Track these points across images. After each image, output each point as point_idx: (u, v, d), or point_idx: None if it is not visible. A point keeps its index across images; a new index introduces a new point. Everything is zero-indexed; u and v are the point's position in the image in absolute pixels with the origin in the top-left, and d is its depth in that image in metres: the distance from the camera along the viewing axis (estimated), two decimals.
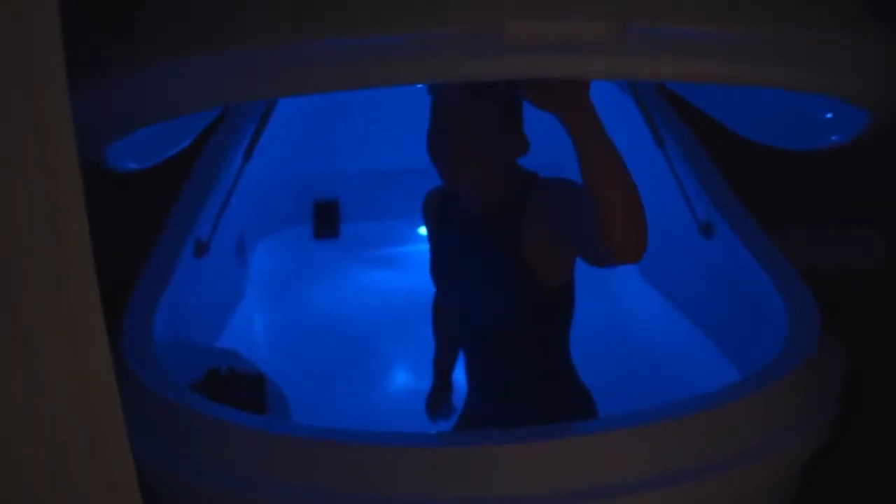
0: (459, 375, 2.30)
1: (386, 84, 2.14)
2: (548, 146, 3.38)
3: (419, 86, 3.25)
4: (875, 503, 2.73)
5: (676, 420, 1.83)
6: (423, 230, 2.23)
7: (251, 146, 2.72)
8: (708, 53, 1.68)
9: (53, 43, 0.81)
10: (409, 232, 3.48)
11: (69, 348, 0.88)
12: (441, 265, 2.08)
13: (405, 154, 3.40)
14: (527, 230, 1.88)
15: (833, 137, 2.55)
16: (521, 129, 1.92)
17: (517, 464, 1.74)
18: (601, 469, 1.76)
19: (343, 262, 3.60)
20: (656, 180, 2.99)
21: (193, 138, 2.77)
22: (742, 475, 1.84)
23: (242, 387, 2.07)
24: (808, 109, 2.59)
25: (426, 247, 2.18)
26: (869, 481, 2.78)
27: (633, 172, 3.26)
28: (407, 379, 3.10)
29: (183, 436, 1.86)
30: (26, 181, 0.81)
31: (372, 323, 3.28)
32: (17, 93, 0.80)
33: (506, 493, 1.73)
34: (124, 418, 0.96)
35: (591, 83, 1.55)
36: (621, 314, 3.23)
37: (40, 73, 0.80)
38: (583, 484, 1.74)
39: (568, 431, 1.83)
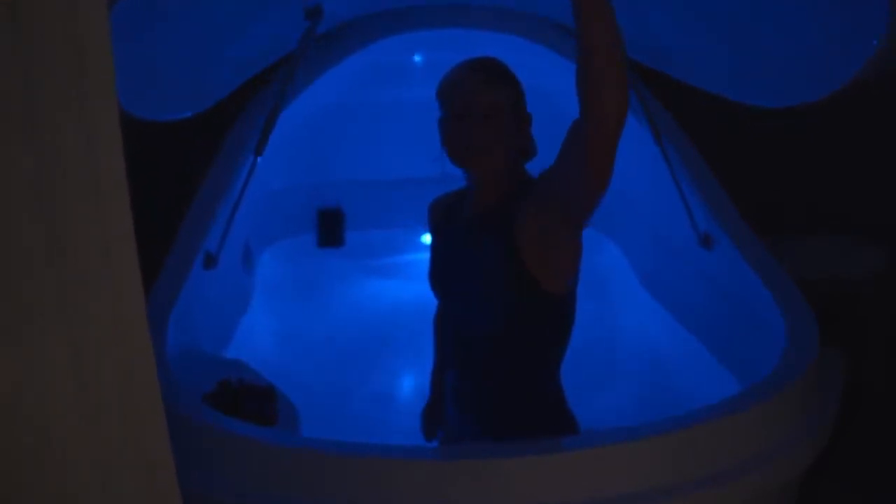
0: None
1: None
2: (549, 151, 3.43)
3: (424, 95, 3.29)
4: None
5: (676, 432, 1.86)
6: (427, 238, 2.25)
7: (261, 143, 2.77)
8: None
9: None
10: (412, 240, 3.51)
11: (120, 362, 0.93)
12: (441, 271, 2.09)
13: (408, 163, 3.44)
14: (524, 231, 1.89)
15: (840, 76, 2.56)
16: (529, 128, 1.98)
17: (524, 476, 1.77)
18: (602, 482, 1.79)
19: (347, 270, 3.62)
20: (656, 190, 3.02)
21: (193, 113, 2.82)
22: (742, 486, 1.87)
23: (253, 399, 2.10)
24: (809, 56, 2.65)
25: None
26: (868, 487, 2.82)
27: (633, 183, 3.31)
28: (411, 387, 3.13)
29: (194, 449, 1.89)
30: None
31: (376, 331, 3.30)
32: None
33: None
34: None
35: None
36: (621, 325, 3.26)
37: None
38: (583, 497, 1.78)
39: (568, 445, 1.87)
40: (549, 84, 3.25)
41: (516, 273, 1.90)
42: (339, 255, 3.64)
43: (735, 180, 2.95)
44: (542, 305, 1.95)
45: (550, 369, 2.04)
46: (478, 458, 1.80)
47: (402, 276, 3.48)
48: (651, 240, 3.28)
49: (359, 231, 3.64)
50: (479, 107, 1.90)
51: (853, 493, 2.78)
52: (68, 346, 0.88)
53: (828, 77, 2.68)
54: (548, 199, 1.85)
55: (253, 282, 3.29)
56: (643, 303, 3.24)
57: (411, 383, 3.10)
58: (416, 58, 3.50)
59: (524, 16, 3.18)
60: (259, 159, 2.85)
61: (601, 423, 2.06)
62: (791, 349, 2.16)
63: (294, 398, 2.25)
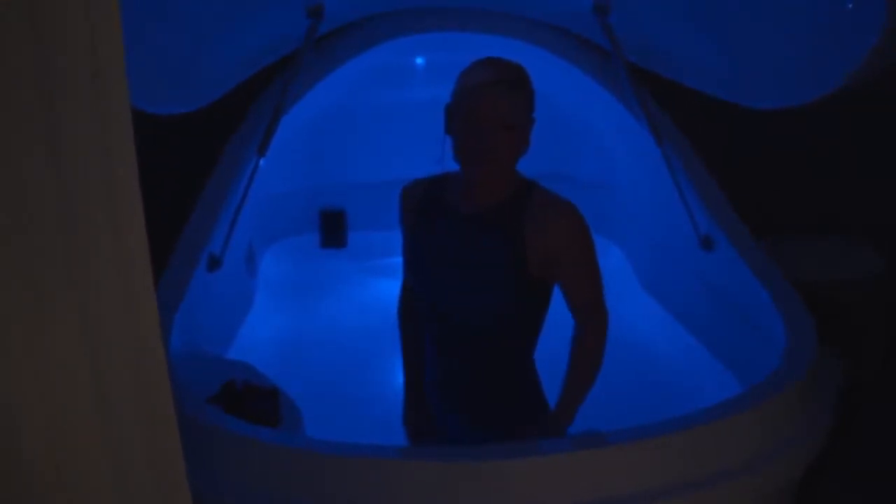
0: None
1: None
2: (549, 154, 3.45)
3: (425, 96, 3.30)
4: None
5: (678, 434, 1.88)
6: None
7: (264, 144, 2.78)
8: None
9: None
10: None
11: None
12: (429, 262, 2.10)
13: (410, 164, 3.45)
14: (530, 239, 1.95)
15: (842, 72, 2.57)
16: (531, 131, 2.00)
17: (525, 477, 1.79)
18: (604, 483, 1.82)
19: (349, 271, 3.63)
20: (657, 193, 3.04)
21: (194, 108, 2.83)
22: (742, 486, 1.89)
23: (256, 400, 2.11)
24: (804, 57, 2.66)
25: None
26: (867, 487, 2.83)
27: (635, 186, 3.32)
28: None
29: (198, 449, 1.90)
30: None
31: (379, 331, 3.30)
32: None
33: None
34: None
35: None
36: (621, 325, 3.26)
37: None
38: (584, 498, 1.80)
39: (571, 447, 1.89)
40: (547, 86, 3.27)
41: (519, 270, 1.97)
42: (341, 255, 3.66)
43: (734, 182, 2.97)
44: (537, 296, 2.03)
45: (532, 354, 2.12)
46: (480, 459, 1.81)
47: None
48: (652, 243, 3.29)
49: (361, 232, 3.65)
50: (500, 118, 1.90)
51: (853, 493, 2.79)
52: (84, 345, 0.90)
53: (822, 78, 2.69)
54: (556, 268, 1.99)
55: (256, 283, 3.30)
56: (645, 305, 3.26)
57: None
58: (418, 60, 3.52)
59: (523, 19, 3.20)
60: (262, 161, 2.88)
61: (603, 423, 2.08)
62: (790, 350, 2.18)
63: (296, 398, 2.26)
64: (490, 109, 1.90)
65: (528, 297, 2.01)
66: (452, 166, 2.04)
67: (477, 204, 2.01)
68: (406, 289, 2.28)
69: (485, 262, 1.99)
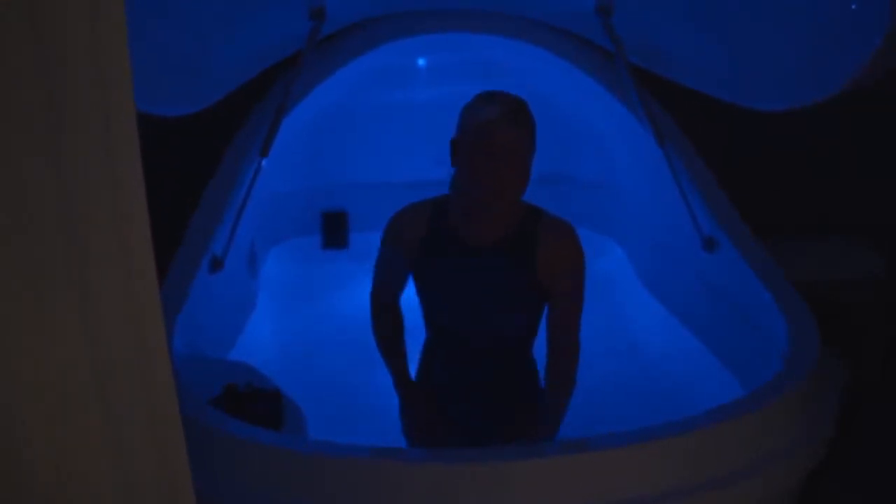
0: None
1: None
2: (550, 154, 3.45)
3: (427, 97, 3.28)
4: None
5: (681, 437, 1.88)
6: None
7: (266, 145, 2.79)
8: None
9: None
10: None
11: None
12: (442, 292, 2.18)
13: (412, 165, 3.46)
14: (541, 258, 2.07)
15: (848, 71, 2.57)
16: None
17: (528, 480, 1.80)
18: (607, 486, 1.82)
19: (351, 272, 3.63)
20: (659, 193, 3.04)
21: (195, 110, 2.84)
22: (742, 491, 1.88)
23: (259, 402, 2.11)
24: (807, 58, 2.67)
25: None
26: (868, 487, 2.83)
27: (636, 186, 3.32)
28: None
29: (200, 451, 1.90)
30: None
31: None
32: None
33: None
34: None
35: None
36: (624, 327, 3.28)
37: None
38: (586, 501, 1.80)
39: (573, 450, 1.88)
40: (547, 86, 3.29)
41: (535, 289, 2.10)
42: (343, 256, 3.65)
43: (734, 182, 2.97)
44: (542, 307, 2.16)
45: (531, 350, 2.27)
46: (482, 462, 1.81)
47: None
48: (654, 242, 3.30)
49: (363, 233, 3.65)
50: (509, 151, 1.97)
51: (853, 493, 2.79)
52: (84, 345, 0.91)
53: (825, 80, 2.69)
54: (556, 285, 2.10)
55: (258, 284, 3.30)
56: (646, 305, 3.26)
57: None
58: (420, 61, 3.52)
59: (524, 20, 3.20)
60: (264, 161, 2.88)
61: (604, 424, 2.08)
62: (793, 352, 2.18)
63: (298, 399, 2.26)
64: (496, 143, 1.96)
65: (538, 311, 2.16)
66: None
67: (489, 234, 2.09)
68: (377, 288, 2.34)
69: (504, 288, 2.11)
